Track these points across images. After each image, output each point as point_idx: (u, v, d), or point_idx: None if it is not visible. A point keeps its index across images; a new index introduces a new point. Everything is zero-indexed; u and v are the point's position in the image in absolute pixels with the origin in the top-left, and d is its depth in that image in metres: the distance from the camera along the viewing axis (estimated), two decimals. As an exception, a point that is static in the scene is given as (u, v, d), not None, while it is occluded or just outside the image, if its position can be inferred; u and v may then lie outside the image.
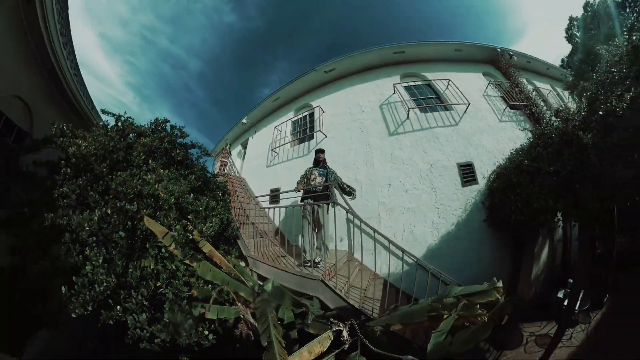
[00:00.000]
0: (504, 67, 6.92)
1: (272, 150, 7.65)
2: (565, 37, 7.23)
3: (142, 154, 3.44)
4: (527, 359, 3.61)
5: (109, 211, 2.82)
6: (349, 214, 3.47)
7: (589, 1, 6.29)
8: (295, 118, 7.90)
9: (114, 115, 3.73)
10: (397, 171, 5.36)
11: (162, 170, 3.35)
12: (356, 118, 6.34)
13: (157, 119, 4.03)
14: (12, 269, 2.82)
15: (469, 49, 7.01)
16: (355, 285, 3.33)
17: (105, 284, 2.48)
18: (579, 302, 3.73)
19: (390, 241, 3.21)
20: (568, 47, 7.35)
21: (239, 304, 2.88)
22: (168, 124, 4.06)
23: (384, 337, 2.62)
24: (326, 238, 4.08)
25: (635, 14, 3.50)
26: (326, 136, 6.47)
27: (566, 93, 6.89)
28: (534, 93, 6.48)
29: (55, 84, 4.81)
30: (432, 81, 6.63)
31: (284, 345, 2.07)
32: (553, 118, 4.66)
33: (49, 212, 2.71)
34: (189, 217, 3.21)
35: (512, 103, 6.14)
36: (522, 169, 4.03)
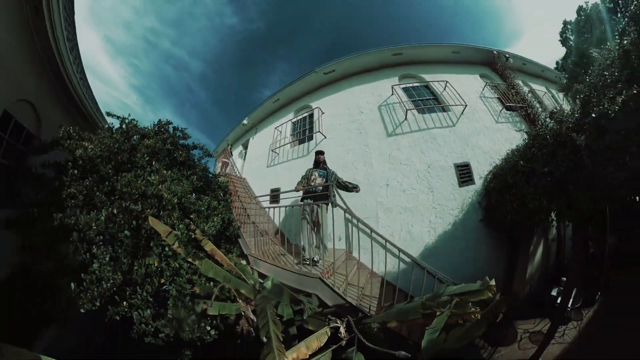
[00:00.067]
0: (500, 69, 7.00)
1: (272, 150, 7.75)
2: (560, 40, 7.32)
3: (145, 155, 3.54)
4: (520, 355, 3.69)
5: (115, 211, 2.92)
6: (346, 214, 3.56)
7: (582, 6, 6.39)
8: (295, 119, 7.99)
9: (118, 117, 3.83)
10: (395, 171, 5.45)
11: (165, 171, 3.44)
12: (355, 119, 6.43)
13: (160, 120, 4.12)
14: (23, 268, 2.92)
15: (466, 51, 7.10)
16: (353, 284, 3.41)
17: (111, 280, 2.58)
18: (571, 300, 3.81)
19: (387, 240, 3.30)
20: (562, 50, 7.45)
21: (240, 301, 2.96)
22: (171, 126, 4.15)
23: (381, 333, 2.69)
24: (325, 237, 4.16)
25: (626, 19, 3.55)
26: (325, 137, 6.55)
27: (561, 95, 6.98)
28: (530, 95, 6.56)
29: (62, 88, 4.94)
30: (430, 83, 6.71)
31: (282, 340, 2.14)
32: (548, 120, 4.73)
33: (57, 212, 2.81)
34: (192, 216, 3.31)
35: (508, 104, 6.22)
36: (517, 170, 4.07)
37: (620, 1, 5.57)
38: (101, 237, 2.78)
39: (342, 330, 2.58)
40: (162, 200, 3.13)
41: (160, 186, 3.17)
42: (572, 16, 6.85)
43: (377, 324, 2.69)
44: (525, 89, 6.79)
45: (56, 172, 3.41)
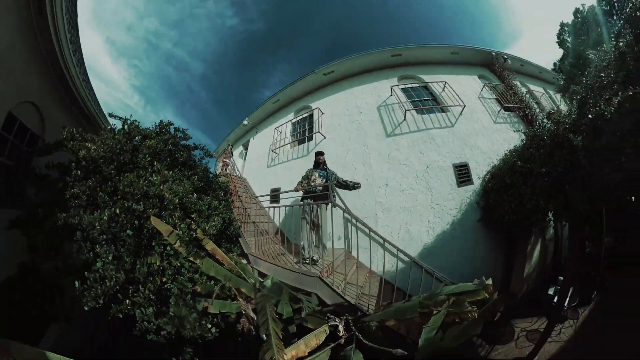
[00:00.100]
0: (498, 70, 7.04)
1: (272, 151, 7.79)
2: (557, 41, 7.36)
3: (147, 155, 3.58)
4: (517, 353, 3.74)
5: (118, 211, 2.97)
6: (346, 214, 3.60)
7: (579, 8, 6.42)
8: (295, 119, 8.04)
9: (120, 118, 3.88)
10: (394, 171, 5.49)
11: (166, 172, 3.49)
12: (354, 119, 6.47)
13: (161, 121, 4.16)
14: (27, 267, 2.97)
15: (464, 52, 7.13)
16: (352, 282, 3.45)
17: (114, 279, 2.63)
18: (568, 299, 3.85)
19: (385, 240, 3.34)
20: (560, 52, 7.48)
21: (241, 300, 3.00)
22: (172, 127, 4.20)
23: (379, 332, 2.73)
24: (324, 237, 4.20)
25: (621, 22, 3.58)
26: (325, 137, 6.60)
27: (558, 96, 7.02)
28: (528, 95, 6.60)
29: (66, 90, 4.99)
30: (429, 83, 6.75)
31: (281, 337, 2.18)
32: (545, 120, 4.76)
33: (61, 212, 2.86)
34: (193, 216, 3.35)
35: (506, 105, 6.26)
36: (515, 170, 4.10)
37: (616, 4, 5.61)
38: (104, 237, 2.83)
39: (340, 328, 2.62)
40: (163, 200, 3.18)
41: (161, 186, 3.22)
42: (568, 18, 6.91)
43: (375, 323, 2.73)
44: (523, 89, 6.82)
45: (60, 173, 3.46)
